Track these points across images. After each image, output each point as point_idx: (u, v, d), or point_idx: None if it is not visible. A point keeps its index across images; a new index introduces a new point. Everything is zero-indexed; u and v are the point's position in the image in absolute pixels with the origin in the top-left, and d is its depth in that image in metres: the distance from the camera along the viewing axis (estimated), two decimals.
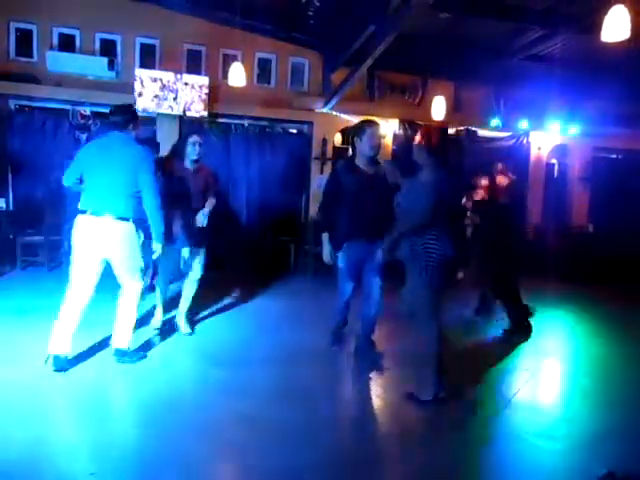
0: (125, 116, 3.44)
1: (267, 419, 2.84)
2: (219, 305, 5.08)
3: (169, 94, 7.13)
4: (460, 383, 3.47)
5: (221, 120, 7.66)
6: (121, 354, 3.53)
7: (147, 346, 3.85)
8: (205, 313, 4.76)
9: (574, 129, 8.79)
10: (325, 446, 2.62)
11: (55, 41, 7.01)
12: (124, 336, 3.53)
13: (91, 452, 2.44)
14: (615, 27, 3.98)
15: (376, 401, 3.28)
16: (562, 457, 2.68)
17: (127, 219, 3.35)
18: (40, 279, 5.90)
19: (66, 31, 7.04)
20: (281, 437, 2.65)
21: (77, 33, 7.08)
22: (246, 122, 7.87)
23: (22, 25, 6.94)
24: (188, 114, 7.18)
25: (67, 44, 7.02)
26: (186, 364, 3.67)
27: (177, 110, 7.17)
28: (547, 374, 3.89)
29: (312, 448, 2.56)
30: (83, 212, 3.34)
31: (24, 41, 6.94)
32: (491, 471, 2.55)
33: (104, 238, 3.32)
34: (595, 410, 3.30)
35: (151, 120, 7.39)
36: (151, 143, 5.48)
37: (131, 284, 3.49)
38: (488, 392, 3.48)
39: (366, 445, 2.75)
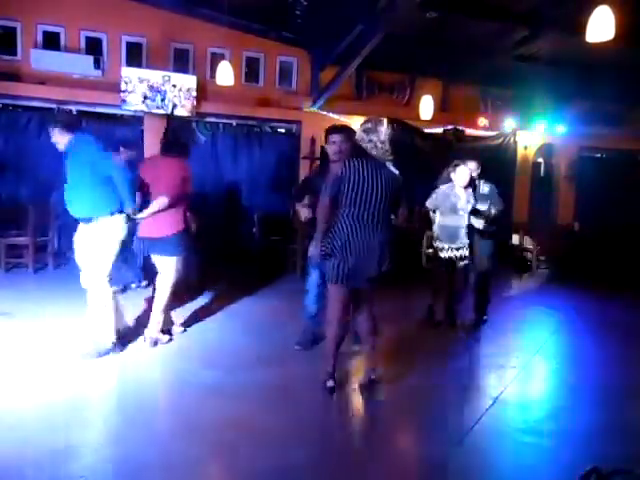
0: (68, 119, 3.70)
1: (256, 421, 2.83)
2: (208, 307, 5.04)
3: (157, 95, 7.08)
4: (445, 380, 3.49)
5: (209, 120, 7.63)
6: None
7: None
8: (194, 315, 4.73)
9: (560, 128, 8.88)
10: (314, 447, 2.61)
11: (39, 39, 6.91)
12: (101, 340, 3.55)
13: (79, 455, 2.41)
14: (600, 28, 4.02)
15: (366, 400, 3.28)
16: (548, 453, 2.70)
17: (90, 219, 3.43)
18: (25, 281, 5.81)
19: (51, 29, 6.95)
20: (269, 438, 2.65)
21: (62, 31, 6.98)
22: (234, 122, 7.84)
23: (5, 23, 6.83)
24: (176, 112, 7.14)
25: (52, 42, 6.92)
26: (175, 366, 3.64)
27: (165, 110, 7.12)
28: (534, 371, 3.92)
29: (300, 449, 2.56)
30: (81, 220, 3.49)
31: (8, 39, 6.82)
32: (476, 467, 2.56)
33: (82, 238, 3.50)
34: (581, 407, 3.34)
35: (138, 119, 7.35)
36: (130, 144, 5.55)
37: (94, 287, 3.50)
38: (474, 389, 3.51)
39: (356, 446, 2.76)
